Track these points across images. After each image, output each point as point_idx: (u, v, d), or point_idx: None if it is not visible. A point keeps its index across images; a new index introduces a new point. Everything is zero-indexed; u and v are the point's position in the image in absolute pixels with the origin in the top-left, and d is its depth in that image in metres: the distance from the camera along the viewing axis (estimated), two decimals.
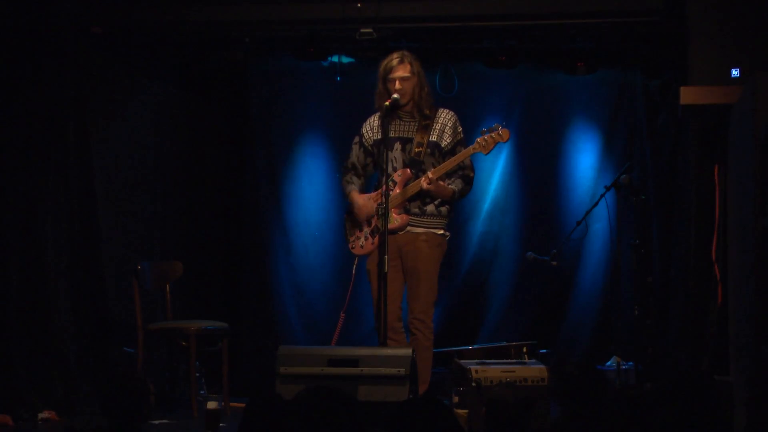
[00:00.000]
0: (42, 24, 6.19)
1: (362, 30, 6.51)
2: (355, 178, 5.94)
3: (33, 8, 6.14)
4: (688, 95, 5.79)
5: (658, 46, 6.82)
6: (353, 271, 5.88)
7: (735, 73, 5.70)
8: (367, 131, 5.93)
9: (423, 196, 5.71)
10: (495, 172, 7.61)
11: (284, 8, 6.55)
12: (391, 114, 5.64)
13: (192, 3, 6.57)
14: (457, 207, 7.39)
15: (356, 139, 5.97)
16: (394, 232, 5.64)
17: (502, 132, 5.71)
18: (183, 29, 6.83)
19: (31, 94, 6.18)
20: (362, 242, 5.84)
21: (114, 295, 6.70)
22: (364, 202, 5.82)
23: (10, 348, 5.97)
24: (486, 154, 5.79)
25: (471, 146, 5.73)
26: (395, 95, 5.65)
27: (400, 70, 5.71)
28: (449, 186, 5.73)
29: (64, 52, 6.34)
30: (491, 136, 5.70)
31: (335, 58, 7.31)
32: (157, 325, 6.34)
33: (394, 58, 5.73)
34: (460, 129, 5.83)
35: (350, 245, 5.92)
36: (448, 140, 5.78)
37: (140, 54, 7.08)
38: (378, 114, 5.89)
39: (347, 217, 5.97)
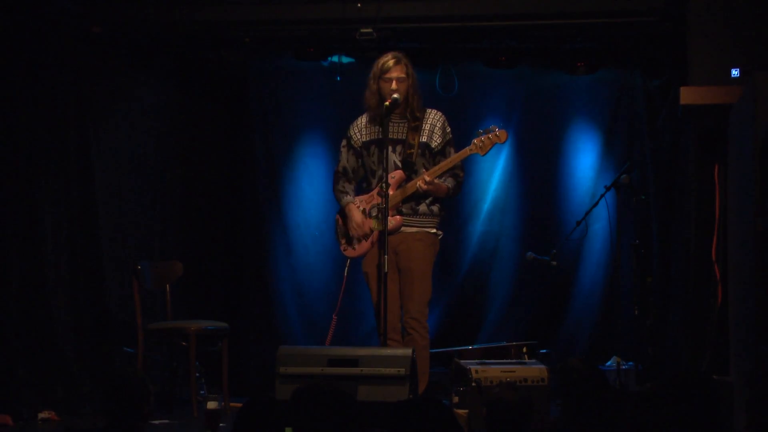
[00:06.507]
0: (42, 24, 6.19)
1: (362, 30, 6.51)
2: (348, 185, 5.88)
3: (33, 8, 6.14)
4: (688, 95, 5.79)
5: (658, 46, 6.82)
6: (345, 274, 5.86)
7: (735, 73, 5.70)
8: (354, 133, 5.88)
9: (418, 197, 5.70)
10: (495, 172, 7.61)
11: (284, 8, 6.55)
12: (387, 115, 5.61)
13: (192, 3, 6.57)
14: (457, 207, 7.43)
15: (344, 142, 5.91)
16: (389, 233, 5.60)
17: (500, 133, 5.69)
18: (183, 29, 6.83)
19: (31, 94, 6.18)
20: (355, 244, 5.82)
21: (114, 295, 6.69)
22: (360, 220, 5.78)
23: (10, 348, 5.97)
24: (483, 155, 5.78)
25: (467, 147, 5.70)
26: (395, 95, 5.63)
27: (397, 71, 5.68)
28: (443, 183, 5.72)
29: (64, 52, 6.34)
30: (488, 137, 5.68)
31: (335, 58, 7.30)
32: (157, 325, 6.34)
33: (390, 59, 5.70)
34: (448, 129, 5.80)
35: (342, 247, 5.89)
36: (437, 141, 5.76)
37: (140, 54, 7.08)
38: (365, 115, 5.85)
39: (339, 220, 5.92)
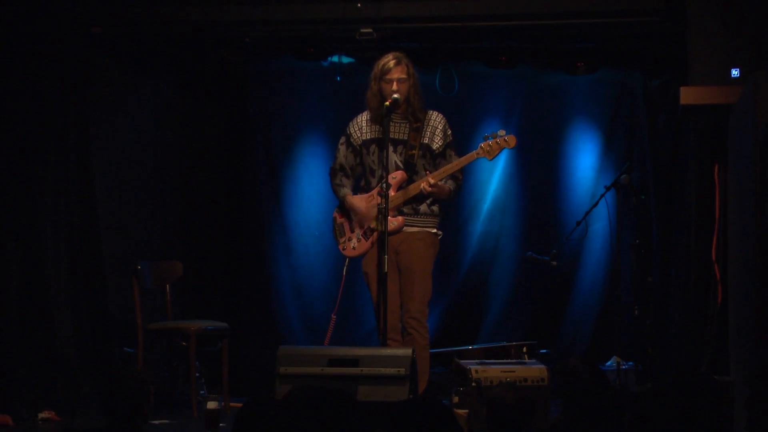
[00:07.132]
0: (42, 24, 6.20)
1: (362, 30, 6.51)
2: (345, 180, 5.88)
3: (33, 8, 6.14)
4: (688, 95, 5.79)
5: (658, 46, 6.82)
6: (344, 273, 5.86)
7: (735, 73, 5.71)
8: (354, 131, 5.87)
9: (420, 198, 5.69)
10: (495, 172, 7.60)
11: (284, 8, 6.55)
12: (387, 115, 5.61)
13: (192, 3, 6.57)
14: (457, 207, 7.43)
15: (342, 139, 5.91)
16: (391, 233, 5.60)
17: (509, 138, 5.68)
18: (183, 29, 6.83)
19: (31, 94, 6.19)
20: (354, 243, 5.81)
21: (114, 295, 6.70)
22: (365, 207, 5.77)
23: (10, 348, 5.97)
24: (490, 160, 5.77)
25: (474, 151, 5.69)
26: (396, 95, 5.62)
27: (398, 71, 5.68)
28: (446, 185, 5.72)
29: (64, 52, 6.34)
30: (496, 142, 5.67)
31: (335, 58, 7.30)
32: (157, 325, 6.34)
33: (391, 60, 5.70)
34: (449, 131, 5.81)
35: (341, 246, 5.88)
36: (439, 143, 5.76)
37: (140, 54, 7.08)
38: (365, 114, 5.85)
39: (337, 218, 5.93)
